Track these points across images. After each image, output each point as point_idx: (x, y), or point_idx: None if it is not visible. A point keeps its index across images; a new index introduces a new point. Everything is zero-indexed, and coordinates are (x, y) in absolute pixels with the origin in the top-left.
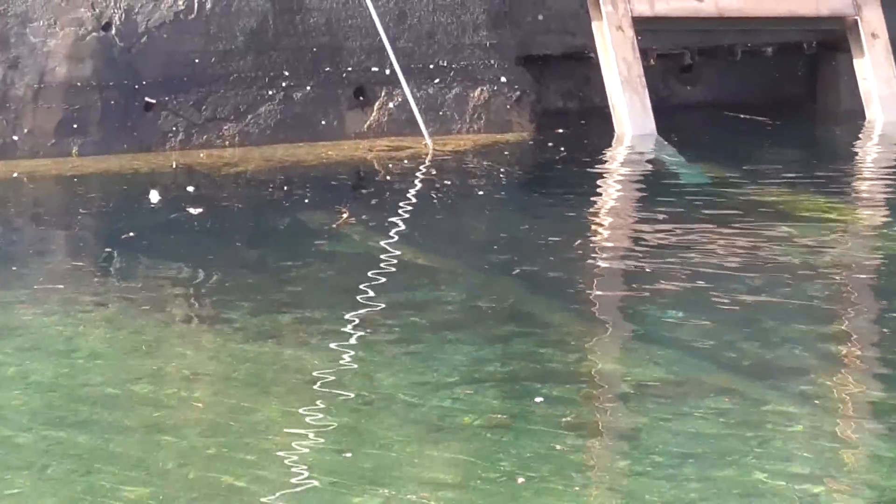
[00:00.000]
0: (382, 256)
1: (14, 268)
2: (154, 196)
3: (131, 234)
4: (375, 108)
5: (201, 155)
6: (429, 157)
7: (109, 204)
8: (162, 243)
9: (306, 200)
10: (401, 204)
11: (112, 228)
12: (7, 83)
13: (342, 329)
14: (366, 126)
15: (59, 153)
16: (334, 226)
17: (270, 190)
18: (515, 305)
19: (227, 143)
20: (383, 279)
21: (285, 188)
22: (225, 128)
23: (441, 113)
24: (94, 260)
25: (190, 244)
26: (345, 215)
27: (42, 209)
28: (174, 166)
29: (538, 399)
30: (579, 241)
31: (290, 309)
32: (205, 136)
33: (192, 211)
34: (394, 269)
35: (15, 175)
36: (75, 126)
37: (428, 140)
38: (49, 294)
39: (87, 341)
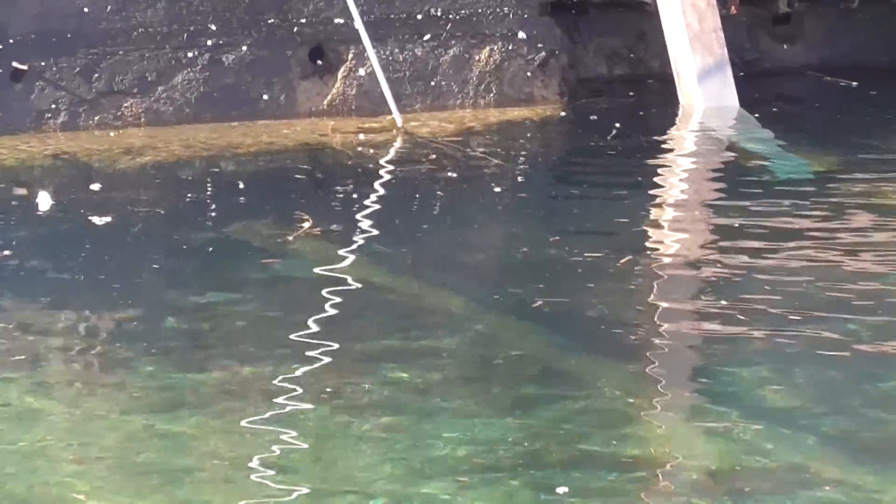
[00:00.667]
0: (350, 284)
1: None
2: (43, 199)
3: (6, 252)
4: (340, 76)
5: (93, 139)
6: (401, 141)
7: None
8: (44, 267)
9: (243, 202)
10: (377, 209)
11: None
12: None
13: (290, 392)
14: (326, 101)
15: None
16: (290, 238)
17: (192, 188)
18: (536, 356)
19: (129, 123)
20: (350, 318)
21: (213, 186)
22: (126, 104)
23: (433, 82)
24: None
25: (84, 268)
26: (306, 224)
27: None
28: (54, 156)
29: (562, 489)
30: (628, 261)
31: (218, 363)
32: (97, 116)
33: (97, 221)
34: (365, 304)
35: None
36: None
37: (397, 117)
38: None
39: None
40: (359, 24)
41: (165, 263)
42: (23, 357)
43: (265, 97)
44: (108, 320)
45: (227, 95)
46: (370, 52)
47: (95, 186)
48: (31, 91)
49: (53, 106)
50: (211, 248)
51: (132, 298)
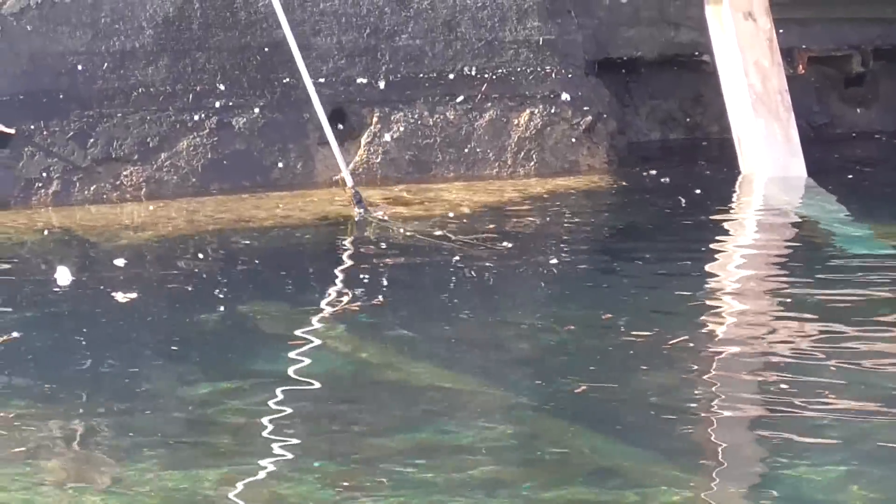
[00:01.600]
0: (375, 371)
1: None
2: (63, 275)
3: (14, 334)
4: (363, 141)
5: (87, 214)
6: (362, 224)
7: None
8: (56, 349)
9: (256, 285)
10: (405, 289)
11: None
12: None
13: (301, 496)
14: (349, 169)
15: None
16: (328, 314)
17: (196, 268)
18: (582, 452)
19: (127, 195)
20: (374, 409)
21: (222, 264)
22: (125, 172)
23: (468, 149)
24: None
25: (92, 350)
26: (345, 299)
27: None
28: (45, 232)
29: None
30: (683, 341)
31: (224, 461)
32: (93, 186)
33: (121, 298)
34: (392, 393)
35: None
36: None
37: (350, 185)
38: None
39: None
40: (307, 82)
41: (173, 349)
42: (20, 450)
43: (280, 165)
44: (111, 411)
45: (237, 163)
46: (319, 113)
47: (120, 262)
48: (18, 158)
49: (44, 174)
50: (223, 332)
51: (140, 387)
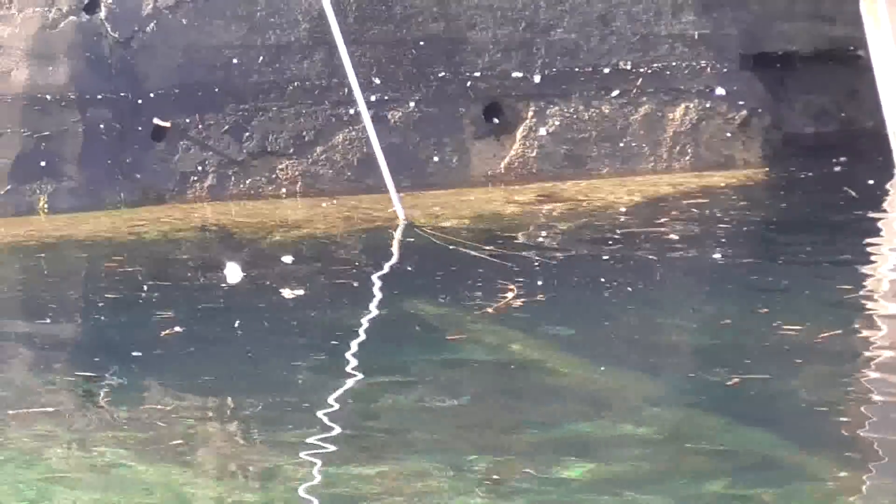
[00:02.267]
0: (531, 366)
1: None
2: (233, 272)
3: (177, 329)
4: (518, 136)
5: (242, 209)
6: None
7: (119, 286)
8: (218, 343)
9: (414, 282)
10: (561, 286)
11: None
12: None
13: (458, 489)
14: (503, 164)
15: (16, 209)
16: (491, 309)
17: (357, 265)
18: (734, 446)
19: (283, 188)
20: (531, 404)
21: (381, 262)
22: (280, 166)
23: (623, 143)
24: (103, 372)
25: (253, 344)
26: (510, 294)
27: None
28: (202, 228)
29: None
30: (837, 336)
31: (387, 454)
32: (248, 180)
33: (288, 294)
34: (547, 389)
35: None
36: (43, 165)
37: (399, 209)
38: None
39: None
40: (352, 78)
41: (334, 343)
42: (176, 443)
43: (435, 160)
44: (267, 405)
45: (392, 157)
46: (365, 118)
47: (287, 259)
48: (174, 151)
49: (199, 168)
50: (384, 329)
51: (298, 382)
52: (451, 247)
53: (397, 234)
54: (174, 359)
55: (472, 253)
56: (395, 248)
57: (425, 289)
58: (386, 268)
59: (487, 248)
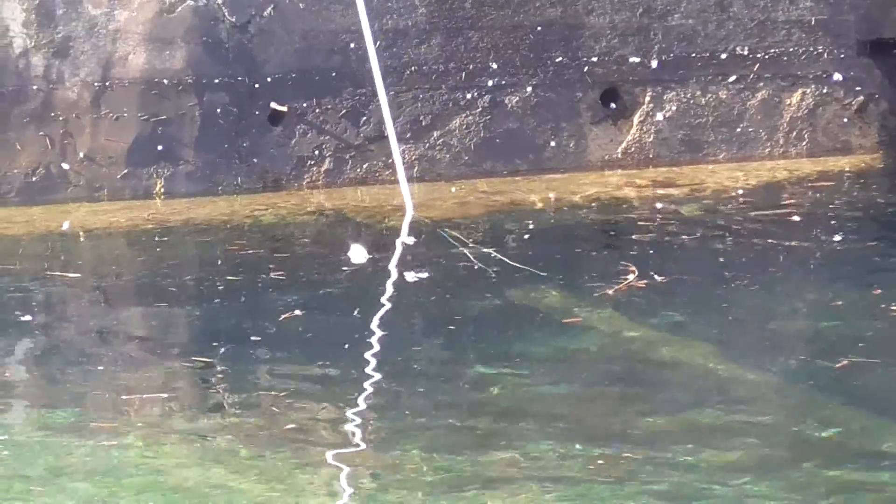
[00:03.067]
0: (648, 353)
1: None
2: (357, 253)
3: (297, 312)
4: (636, 120)
5: (358, 194)
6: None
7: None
8: (338, 327)
9: (531, 267)
10: (684, 269)
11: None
12: (51, 80)
13: (574, 479)
14: (620, 149)
15: (133, 192)
16: (611, 291)
17: (475, 251)
18: (853, 432)
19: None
20: (647, 392)
21: (499, 248)
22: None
23: (739, 128)
24: (220, 357)
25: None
26: (631, 276)
27: (118, 283)
28: (318, 211)
29: None
30: None
31: (496, 443)
32: (365, 165)
33: (411, 277)
34: (663, 376)
35: (64, 227)
36: (160, 149)
37: (408, 203)
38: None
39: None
40: (375, 67)
41: (451, 328)
42: (289, 427)
43: (552, 144)
44: (381, 391)
45: (509, 142)
46: (384, 108)
47: (409, 240)
48: (291, 136)
49: (316, 152)
50: (501, 313)
51: (413, 366)
52: (453, 242)
53: (404, 227)
54: (293, 343)
55: (466, 252)
56: (513, 231)
57: (545, 272)
58: (505, 251)
59: (492, 252)
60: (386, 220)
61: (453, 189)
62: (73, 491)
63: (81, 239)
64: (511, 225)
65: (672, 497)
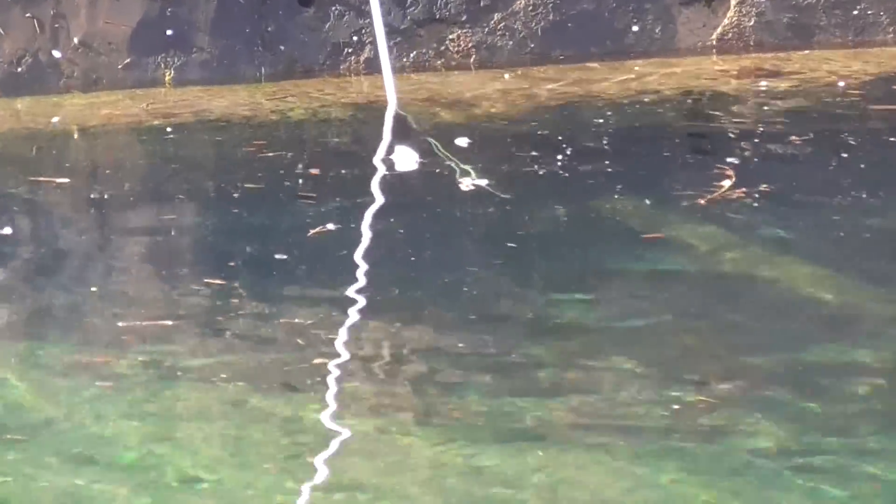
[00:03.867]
0: (743, 278)
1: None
2: (404, 157)
3: (329, 226)
4: (733, 1)
5: (406, 83)
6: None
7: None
8: (376, 245)
9: (607, 172)
10: (788, 175)
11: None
12: None
13: (665, 429)
14: (715, 35)
15: (137, 80)
16: (703, 201)
17: (539, 152)
18: None
19: (453, 62)
20: (738, 324)
21: (568, 149)
22: (451, 36)
23: (856, 10)
24: (237, 279)
25: (416, 248)
26: (727, 182)
27: (115, 191)
28: (357, 104)
29: None
30: None
31: (572, 388)
32: (413, 52)
33: (466, 185)
34: (760, 303)
35: (54, 121)
36: (169, 34)
37: (391, 94)
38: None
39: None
40: None
41: (510, 246)
42: (319, 362)
43: (634, 29)
44: (427, 322)
45: (583, 26)
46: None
47: (462, 142)
48: (325, 18)
49: (355, 38)
50: (569, 229)
51: (465, 293)
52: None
53: (387, 120)
54: (323, 264)
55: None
56: (586, 128)
57: (625, 178)
58: (577, 153)
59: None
60: (438, 115)
61: (507, 77)
62: (61, 443)
63: (75, 136)
64: (584, 121)
65: (774, 455)
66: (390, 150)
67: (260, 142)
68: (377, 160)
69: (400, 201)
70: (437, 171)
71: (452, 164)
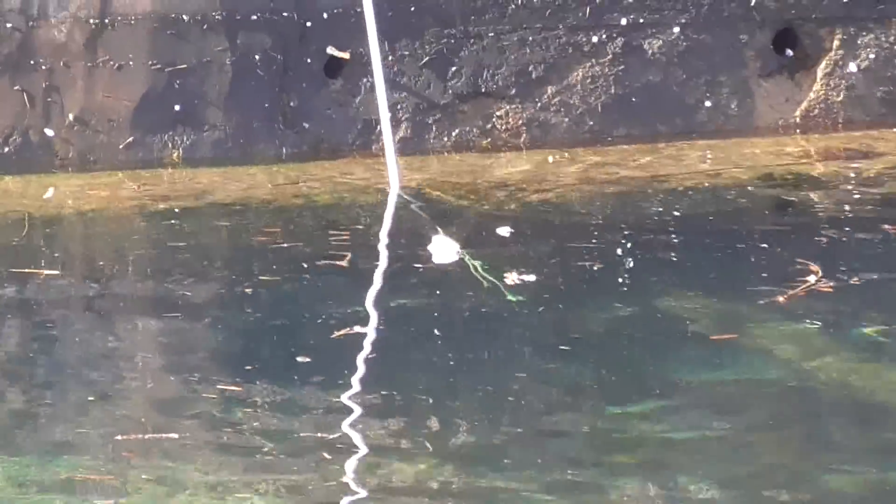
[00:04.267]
0: (829, 387)
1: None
2: (443, 249)
3: (357, 328)
4: (820, 73)
5: (445, 166)
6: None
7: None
8: (409, 348)
9: (673, 267)
10: (878, 272)
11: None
12: (30, 16)
13: None
14: (799, 111)
15: (142, 160)
16: (783, 298)
17: (597, 243)
18: None
19: (500, 142)
20: (818, 439)
21: (631, 239)
22: (498, 112)
23: None
24: (254, 385)
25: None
26: (812, 278)
27: (113, 286)
28: (389, 193)
29: None
30: None
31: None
32: (455, 131)
33: (511, 280)
34: (847, 412)
35: (47, 196)
36: (177, 109)
37: (393, 175)
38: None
39: None
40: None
41: (563, 349)
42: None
43: (707, 104)
44: (472, 427)
45: (649, 101)
46: (375, 59)
47: (504, 231)
48: (355, 92)
49: (392, 112)
50: (632, 330)
51: (508, 403)
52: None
53: (390, 205)
54: (350, 368)
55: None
56: (650, 216)
57: (693, 273)
58: (638, 244)
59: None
60: (483, 201)
61: (560, 158)
62: None
63: (73, 220)
64: (647, 208)
65: None
66: (427, 241)
67: (277, 229)
68: (416, 252)
69: (437, 298)
70: (480, 262)
71: (479, 276)
